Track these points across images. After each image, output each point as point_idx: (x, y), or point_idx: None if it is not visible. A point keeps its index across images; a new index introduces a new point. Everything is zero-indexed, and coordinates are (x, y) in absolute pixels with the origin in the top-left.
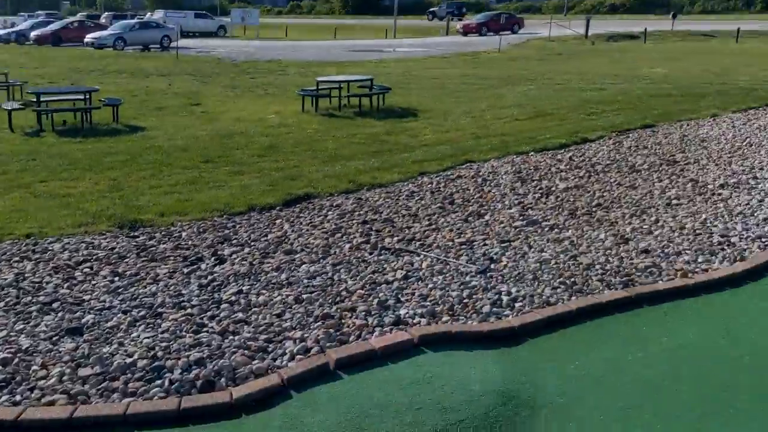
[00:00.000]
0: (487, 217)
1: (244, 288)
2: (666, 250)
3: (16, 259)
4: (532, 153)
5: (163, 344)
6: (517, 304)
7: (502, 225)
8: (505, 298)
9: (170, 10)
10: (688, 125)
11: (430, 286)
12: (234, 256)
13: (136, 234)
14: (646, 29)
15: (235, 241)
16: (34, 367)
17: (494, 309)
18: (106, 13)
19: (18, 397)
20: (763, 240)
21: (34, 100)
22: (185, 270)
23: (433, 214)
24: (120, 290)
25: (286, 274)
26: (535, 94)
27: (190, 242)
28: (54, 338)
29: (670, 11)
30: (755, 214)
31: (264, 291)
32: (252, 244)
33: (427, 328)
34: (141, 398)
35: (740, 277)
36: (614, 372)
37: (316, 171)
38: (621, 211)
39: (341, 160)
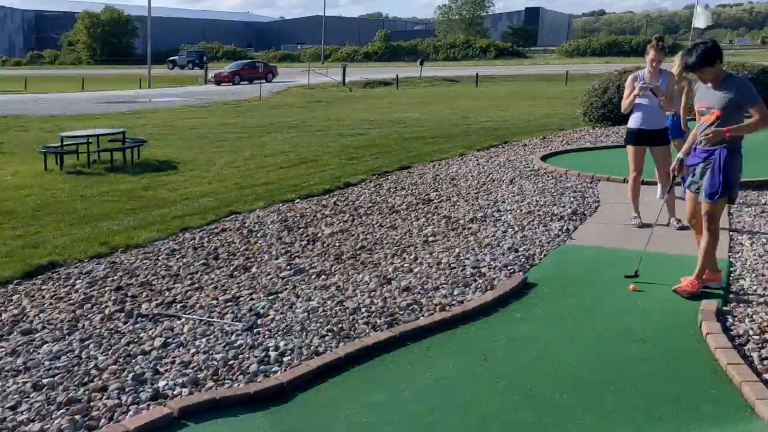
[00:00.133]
0: (253, 270)
1: None
2: (425, 286)
3: None
4: (298, 200)
5: None
6: (285, 359)
7: (269, 277)
8: (273, 354)
9: None
10: (440, 165)
11: (193, 351)
12: None
13: None
14: (397, 76)
15: None
16: None
17: (262, 367)
18: None
19: None
20: (509, 268)
21: None
22: None
23: (195, 272)
24: None
25: (23, 357)
26: (298, 141)
27: None
28: None
29: (417, 59)
30: (501, 245)
31: None
32: None
33: (188, 398)
34: None
35: (491, 305)
36: (383, 414)
37: (61, 236)
38: (383, 251)
39: (92, 222)
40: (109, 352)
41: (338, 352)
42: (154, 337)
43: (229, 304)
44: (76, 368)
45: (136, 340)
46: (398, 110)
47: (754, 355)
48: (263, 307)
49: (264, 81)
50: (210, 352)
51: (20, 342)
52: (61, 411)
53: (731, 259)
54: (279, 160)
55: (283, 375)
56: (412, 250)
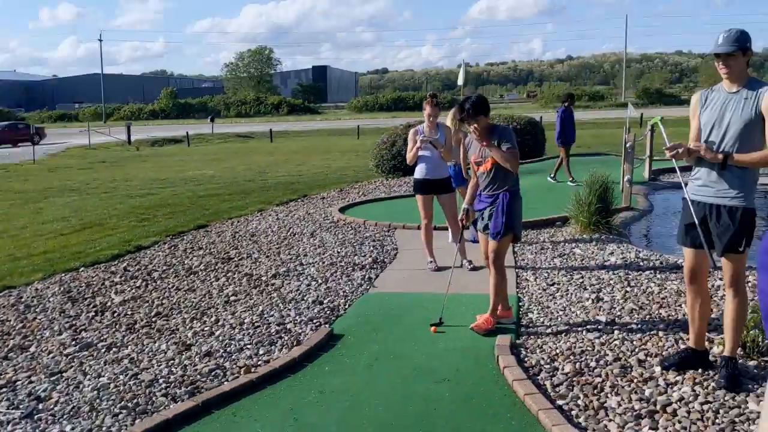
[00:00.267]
0: (32, 349)
1: None
2: (228, 349)
3: None
4: (83, 268)
5: None
6: None
7: (51, 355)
8: None
9: None
10: (238, 222)
11: None
12: None
13: None
14: (188, 133)
15: None
16: None
17: None
18: None
19: None
20: (314, 321)
21: None
22: None
23: None
24: None
25: None
26: (81, 205)
27: None
28: None
29: (207, 116)
30: (305, 298)
31: None
32: None
33: None
34: None
35: (299, 360)
36: None
37: None
38: (181, 316)
39: None
40: None
41: (134, 430)
42: None
43: (4, 390)
44: None
45: None
46: (191, 168)
47: (547, 383)
48: (45, 390)
49: (30, 143)
50: None
51: None
52: None
53: (519, 294)
54: (59, 226)
55: None
56: (212, 312)
